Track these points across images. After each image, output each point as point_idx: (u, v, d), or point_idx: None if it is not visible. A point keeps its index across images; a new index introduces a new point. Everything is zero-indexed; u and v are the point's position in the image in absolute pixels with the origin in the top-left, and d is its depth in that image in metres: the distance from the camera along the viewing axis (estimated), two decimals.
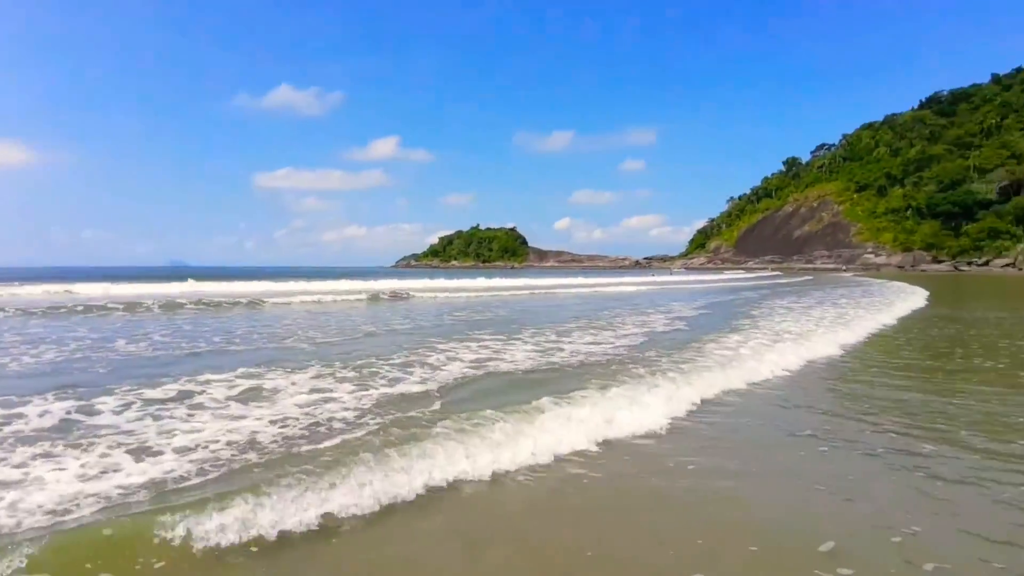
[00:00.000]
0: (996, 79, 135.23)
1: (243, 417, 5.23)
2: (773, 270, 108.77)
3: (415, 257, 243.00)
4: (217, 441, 4.60)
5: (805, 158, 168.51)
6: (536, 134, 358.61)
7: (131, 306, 16.49)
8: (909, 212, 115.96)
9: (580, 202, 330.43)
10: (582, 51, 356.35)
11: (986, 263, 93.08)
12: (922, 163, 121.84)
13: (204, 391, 6.10)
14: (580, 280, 43.26)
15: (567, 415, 5.19)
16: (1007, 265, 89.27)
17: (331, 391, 6.20)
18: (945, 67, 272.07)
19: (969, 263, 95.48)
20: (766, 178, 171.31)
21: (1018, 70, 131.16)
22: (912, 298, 22.77)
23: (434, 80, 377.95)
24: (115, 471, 3.97)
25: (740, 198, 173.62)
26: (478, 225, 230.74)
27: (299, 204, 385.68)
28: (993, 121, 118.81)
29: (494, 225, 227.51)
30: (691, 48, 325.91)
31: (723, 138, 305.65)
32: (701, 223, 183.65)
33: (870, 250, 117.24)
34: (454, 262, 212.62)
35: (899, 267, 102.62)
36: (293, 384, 6.49)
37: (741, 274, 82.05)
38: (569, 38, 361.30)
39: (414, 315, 15.84)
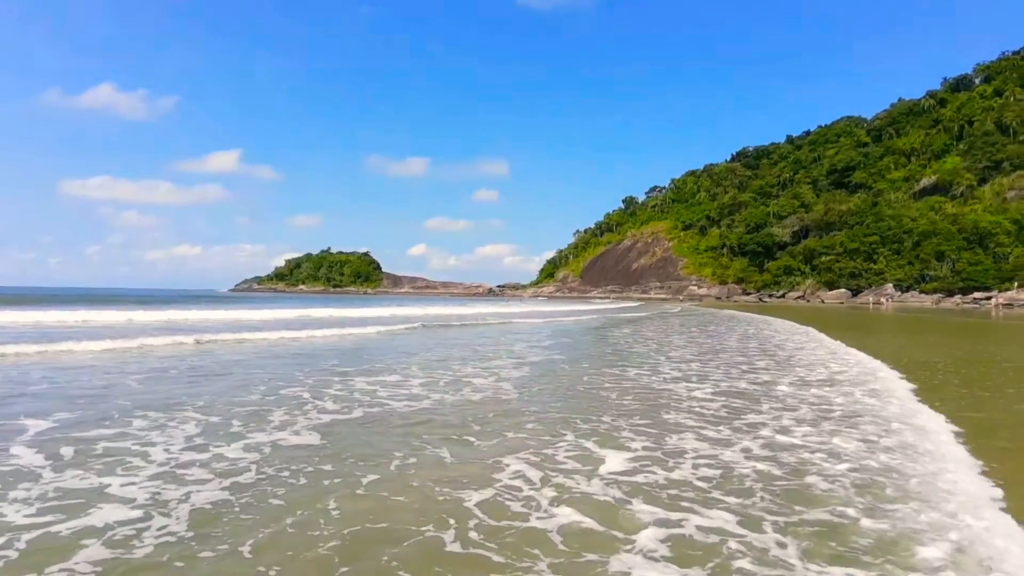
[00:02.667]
0: (789, 139, 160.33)
1: None
2: (615, 299, 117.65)
3: (258, 280, 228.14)
4: None
5: (641, 197, 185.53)
6: (390, 158, 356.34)
7: None
8: (724, 250, 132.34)
9: (435, 229, 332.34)
10: (437, 78, 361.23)
11: (783, 295, 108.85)
12: (734, 208, 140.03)
13: None
14: (439, 309, 43.66)
15: None
16: (799, 297, 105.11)
17: None
18: (751, 126, 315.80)
19: (771, 295, 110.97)
20: (608, 214, 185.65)
21: (806, 132, 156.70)
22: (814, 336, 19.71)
23: (280, 93, 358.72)
24: None
25: (585, 231, 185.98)
26: (329, 248, 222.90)
27: (118, 218, 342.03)
28: (787, 175, 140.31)
29: (346, 249, 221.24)
30: (542, 85, 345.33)
31: (570, 173, 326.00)
32: (550, 253, 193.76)
33: (694, 282, 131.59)
34: (302, 286, 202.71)
35: (717, 298, 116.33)
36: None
37: (609, 304, 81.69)
38: (423, 63, 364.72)
39: None
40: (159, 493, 4.28)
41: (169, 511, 3.96)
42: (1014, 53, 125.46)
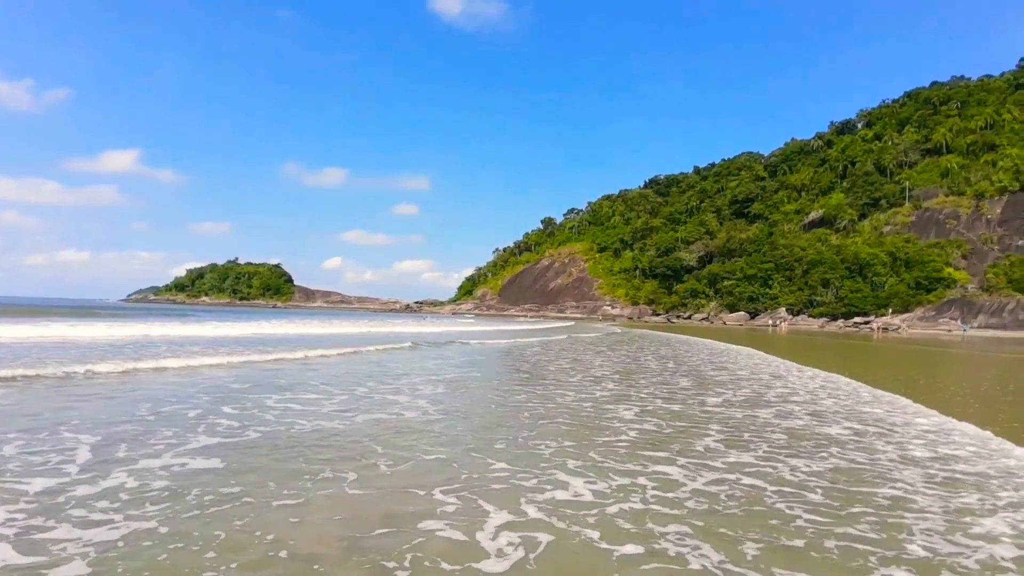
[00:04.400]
0: (697, 170, 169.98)
1: None
2: (533, 317, 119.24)
3: (154, 291, 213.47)
4: None
5: (559, 219, 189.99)
6: (307, 167, 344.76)
7: None
8: (636, 272, 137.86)
9: (352, 242, 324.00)
10: (358, 88, 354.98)
11: (689, 316, 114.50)
12: (646, 232, 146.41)
13: None
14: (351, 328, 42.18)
15: None
16: (703, 319, 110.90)
17: None
18: (663, 155, 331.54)
19: (678, 316, 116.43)
20: (527, 233, 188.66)
21: (712, 164, 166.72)
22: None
23: (189, 93, 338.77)
24: None
25: (505, 249, 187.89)
26: (237, 259, 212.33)
27: None
28: (695, 203, 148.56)
29: (256, 260, 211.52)
30: (464, 104, 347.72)
31: (491, 192, 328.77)
32: (469, 270, 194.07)
33: (608, 303, 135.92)
34: (205, 298, 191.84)
35: (629, 318, 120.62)
36: None
37: (540, 324, 75.45)
38: (344, 73, 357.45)
39: None
40: (42, 528, 3.98)
41: (56, 549, 3.70)
42: (893, 101, 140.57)
